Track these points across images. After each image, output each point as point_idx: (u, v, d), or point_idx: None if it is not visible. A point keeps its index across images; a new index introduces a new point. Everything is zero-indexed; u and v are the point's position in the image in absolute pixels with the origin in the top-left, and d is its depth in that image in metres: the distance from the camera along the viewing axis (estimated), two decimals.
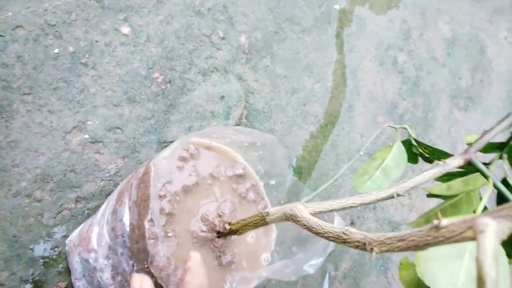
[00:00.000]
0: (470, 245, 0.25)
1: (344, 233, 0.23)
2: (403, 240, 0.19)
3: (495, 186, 0.27)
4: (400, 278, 0.32)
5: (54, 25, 0.37)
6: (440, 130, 0.75)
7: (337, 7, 0.61)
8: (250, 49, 0.50)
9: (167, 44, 0.43)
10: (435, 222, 0.17)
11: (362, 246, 0.22)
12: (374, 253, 0.21)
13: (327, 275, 0.57)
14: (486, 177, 0.28)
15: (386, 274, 0.64)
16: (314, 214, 0.28)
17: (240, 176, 0.35)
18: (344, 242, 0.23)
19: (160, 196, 0.33)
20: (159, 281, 0.31)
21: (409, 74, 0.72)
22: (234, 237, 0.35)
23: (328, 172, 0.58)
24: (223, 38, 0.47)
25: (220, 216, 0.35)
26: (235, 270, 0.36)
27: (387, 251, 0.20)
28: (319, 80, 0.59)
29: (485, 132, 0.29)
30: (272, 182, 0.37)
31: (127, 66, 0.40)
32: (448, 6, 0.84)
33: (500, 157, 0.37)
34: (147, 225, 0.31)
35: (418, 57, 0.75)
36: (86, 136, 0.38)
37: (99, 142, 0.38)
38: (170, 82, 0.42)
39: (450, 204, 0.38)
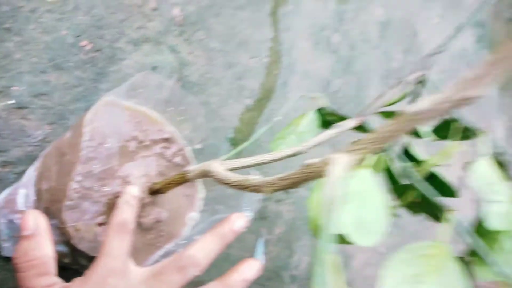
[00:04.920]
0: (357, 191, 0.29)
1: (245, 180, 0.26)
2: (286, 179, 0.22)
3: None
4: (310, 227, 0.36)
5: None
6: None
7: None
8: (184, 21, 0.51)
9: (96, 12, 0.43)
10: (306, 163, 0.21)
11: (257, 189, 0.25)
12: (267, 192, 0.24)
13: (262, 238, 0.61)
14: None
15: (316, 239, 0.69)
16: (230, 170, 0.31)
17: (166, 140, 0.38)
18: (246, 187, 0.26)
19: (89, 158, 0.34)
20: (72, 242, 0.32)
21: (343, 54, 0.77)
22: (157, 199, 0.37)
23: (262, 143, 0.61)
24: (155, 9, 0.48)
25: (147, 177, 0.37)
26: (161, 232, 0.39)
27: (276, 190, 0.23)
28: (254, 56, 0.61)
29: (376, 98, 0.33)
30: (198, 146, 0.39)
31: (53, 34, 0.40)
32: None
33: None
34: (70, 186, 0.33)
35: (352, 38, 0.79)
36: (12, 102, 0.38)
37: (25, 108, 0.39)
38: (99, 50, 0.43)
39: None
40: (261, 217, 0.64)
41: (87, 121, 0.32)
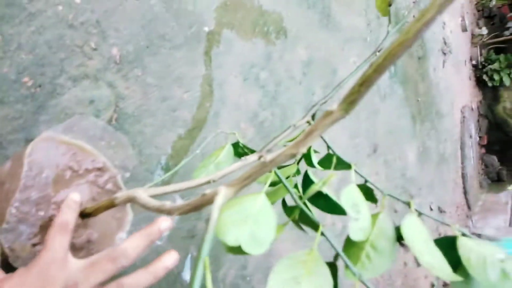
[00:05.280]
0: (253, 213, 0.37)
1: (161, 206, 0.33)
2: (189, 205, 0.29)
3: (275, 173, 0.40)
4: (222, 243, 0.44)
5: None
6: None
7: (206, 29, 0.72)
8: (121, 60, 0.57)
9: (39, 52, 0.48)
10: (202, 193, 0.28)
11: (170, 212, 0.32)
12: (174, 216, 0.31)
13: (189, 255, 0.67)
14: (275, 173, 0.40)
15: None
16: (153, 196, 0.38)
17: (99, 169, 0.43)
18: (161, 211, 0.33)
19: (28, 187, 0.39)
20: (9, 260, 0.37)
21: (269, 89, 0.87)
22: (89, 222, 0.42)
23: (194, 169, 0.68)
24: (95, 49, 0.53)
25: (79, 203, 0.42)
26: (91, 251, 0.43)
27: (182, 213, 0.30)
28: (188, 90, 0.69)
29: (273, 138, 0.42)
30: (127, 174, 0.45)
31: None
32: (306, 34, 1.02)
33: (301, 158, 0.51)
34: (7, 210, 0.37)
35: (278, 75, 0.90)
36: None
37: None
38: (40, 86, 0.48)
39: (273, 191, 0.51)
40: (190, 236, 0.69)
41: (27, 154, 0.36)
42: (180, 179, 0.67)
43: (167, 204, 0.32)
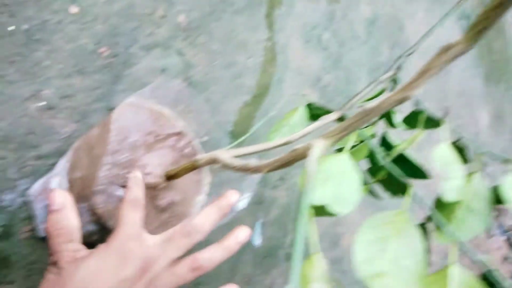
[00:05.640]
0: (337, 171, 0.35)
1: (246, 164, 0.32)
2: (278, 161, 0.29)
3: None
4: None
5: (8, 4, 0.42)
6: None
7: None
8: (188, 27, 0.57)
9: (112, 22, 0.49)
10: (293, 148, 0.27)
11: (257, 169, 0.31)
12: (263, 172, 0.30)
13: (258, 221, 0.68)
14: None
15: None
16: (233, 157, 0.38)
17: (178, 134, 0.44)
18: (247, 170, 0.33)
19: (115, 151, 0.40)
20: (102, 221, 0.39)
21: (333, 51, 0.83)
22: (171, 184, 0.43)
23: (260, 135, 0.68)
24: (163, 17, 0.53)
25: (162, 166, 0.43)
26: (174, 212, 0.45)
27: (271, 170, 0.30)
28: (251, 56, 0.67)
29: (355, 95, 0.39)
30: (205, 138, 0.45)
31: (76, 42, 0.46)
32: None
33: (381, 117, 0.48)
34: (100, 174, 0.39)
35: (341, 36, 0.85)
36: (43, 103, 0.44)
37: (54, 108, 0.45)
38: (115, 56, 0.49)
39: (352, 152, 0.49)
40: (258, 202, 0.70)
41: (114, 119, 0.38)
42: (249, 145, 0.67)
43: (253, 162, 0.32)
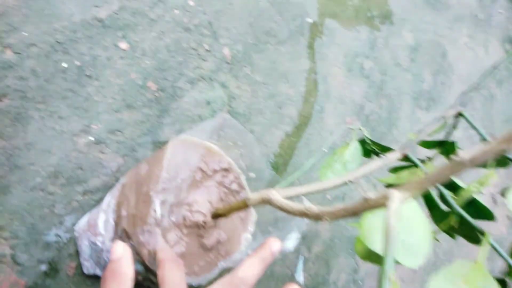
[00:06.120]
0: (404, 219, 0.33)
1: (306, 210, 0.30)
2: (345, 209, 0.26)
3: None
4: (356, 250, 0.40)
5: (62, 42, 0.43)
6: (403, 128, 0.84)
7: (309, 20, 0.69)
8: (232, 59, 0.56)
9: (160, 57, 0.49)
10: (364, 195, 0.25)
11: (319, 217, 0.29)
12: (326, 221, 0.28)
13: (301, 256, 0.64)
14: (417, 166, 0.35)
15: (354, 256, 0.72)
16: (285, 198, 0.36)
17: (225, 170, 0.42)
18: (307, 215, 0.30)
19: (165, 189, 0.39)
20: (146, 262, 0.37)
21: (375, 79, 0.80)
22: (218, 222, 0.42)
23: (301, 166, 0.65)
24: (208, 51, 0.53)
25: (210, 203, 0.42)
26: (220, 251, 0.43)
27: (335, 218, 0.27)
28: (293, 86, 0.66)
29: (417, 133, 0.37)
30: (252, 175, 0.44)
31: (125, 77, 0.46)
32: (412, 16, 0.93)
33: (440, 153, 0.45)
34: (148, 213, 0.38)
35: (383, 63, 0.83)
36: (91, 138, 0.44)
37: (102, 143, 0.45)
38: (162, 90, 0.49)
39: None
40: (301, 236, 0.67)
41: (166, 157, 0.37)
42: (289, 177, 0.65)
43: (314, 207, 0.29)
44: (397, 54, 0.87)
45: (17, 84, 0.40)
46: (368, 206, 0.24)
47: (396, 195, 0.22)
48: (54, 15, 0.43)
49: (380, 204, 0.24)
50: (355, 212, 0.26)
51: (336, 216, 0.27)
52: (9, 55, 0.40)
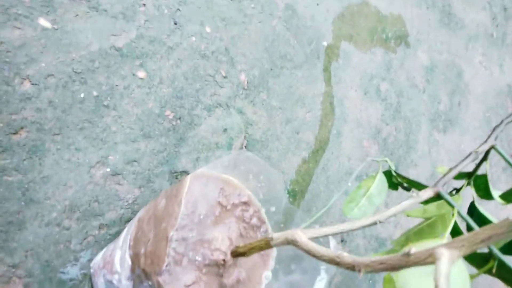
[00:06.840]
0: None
1: (337, 257, 0.28)
2: (383, 263, 0.25)
3: (459, 214, 0.33)
4: None
5: (80, 72, 0.42)
6: (421, 151, 0.82)
7: (324, 43, 0.68)
8: (249, 85, 0.55)
9: (177, 84, 0.48)
10: (406, 250, 0.23)
11: (351, 267, 0.27)
12: (361, 273, 0.26)
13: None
14: (451, 206, 0.34)
15: (374, 287, 0.69)
16: (311, 238, 0.34)
17: (245, 203, 0.41)
18: (337, 264, 0.28)
19: (183, 226, 0.38)
20: None
21: (391, 101, 0.79)
22: (238, 260, 0.40)
23: (319, 193, 0.64)
24: (225, 77, 0.52)
25: (229, 240, 0.40)
26: None
27: (371, 271, 0.26)
28: (310, 110, 0.65)
29: (450, 169, 0.35)
30: (273, 209, 0.42)
31: (143, 106, 0.45)
32: (427, 36, 0.91)
33: (469, 184, 0.43)
34: (167, 252, 0.36)
35: (399, 85, 0.82)
36: (108, 170, 0.43)
37: (119, 174, 0.43)
38: (180, 118, 0.48)
39: (427, 224, 0.44)
40: (329, 279, 0.65)
41: (184, 192, 0.35)
42: (306, 205, 0.64)
43: (346, 255, 0.28)
44: (412, 75, 0.85)
45: (35, 116, 0.39)
46: (410, 262, 0.23)
47: (445, 255, 0.20)
48: (72, 44, 0.42)
49: (425, 262, 0.22)
50: (395, 268, 0.24)
51: (373, 269, 0.25)
52: (27, 86, 0.39)
